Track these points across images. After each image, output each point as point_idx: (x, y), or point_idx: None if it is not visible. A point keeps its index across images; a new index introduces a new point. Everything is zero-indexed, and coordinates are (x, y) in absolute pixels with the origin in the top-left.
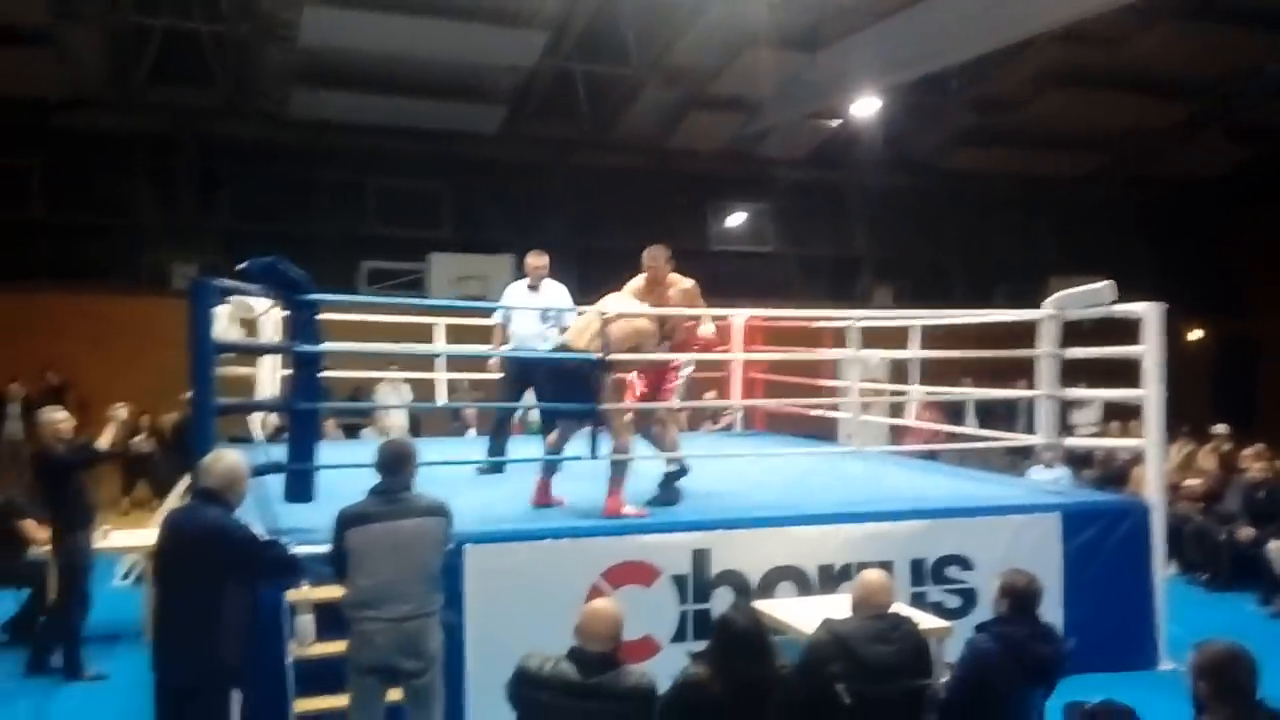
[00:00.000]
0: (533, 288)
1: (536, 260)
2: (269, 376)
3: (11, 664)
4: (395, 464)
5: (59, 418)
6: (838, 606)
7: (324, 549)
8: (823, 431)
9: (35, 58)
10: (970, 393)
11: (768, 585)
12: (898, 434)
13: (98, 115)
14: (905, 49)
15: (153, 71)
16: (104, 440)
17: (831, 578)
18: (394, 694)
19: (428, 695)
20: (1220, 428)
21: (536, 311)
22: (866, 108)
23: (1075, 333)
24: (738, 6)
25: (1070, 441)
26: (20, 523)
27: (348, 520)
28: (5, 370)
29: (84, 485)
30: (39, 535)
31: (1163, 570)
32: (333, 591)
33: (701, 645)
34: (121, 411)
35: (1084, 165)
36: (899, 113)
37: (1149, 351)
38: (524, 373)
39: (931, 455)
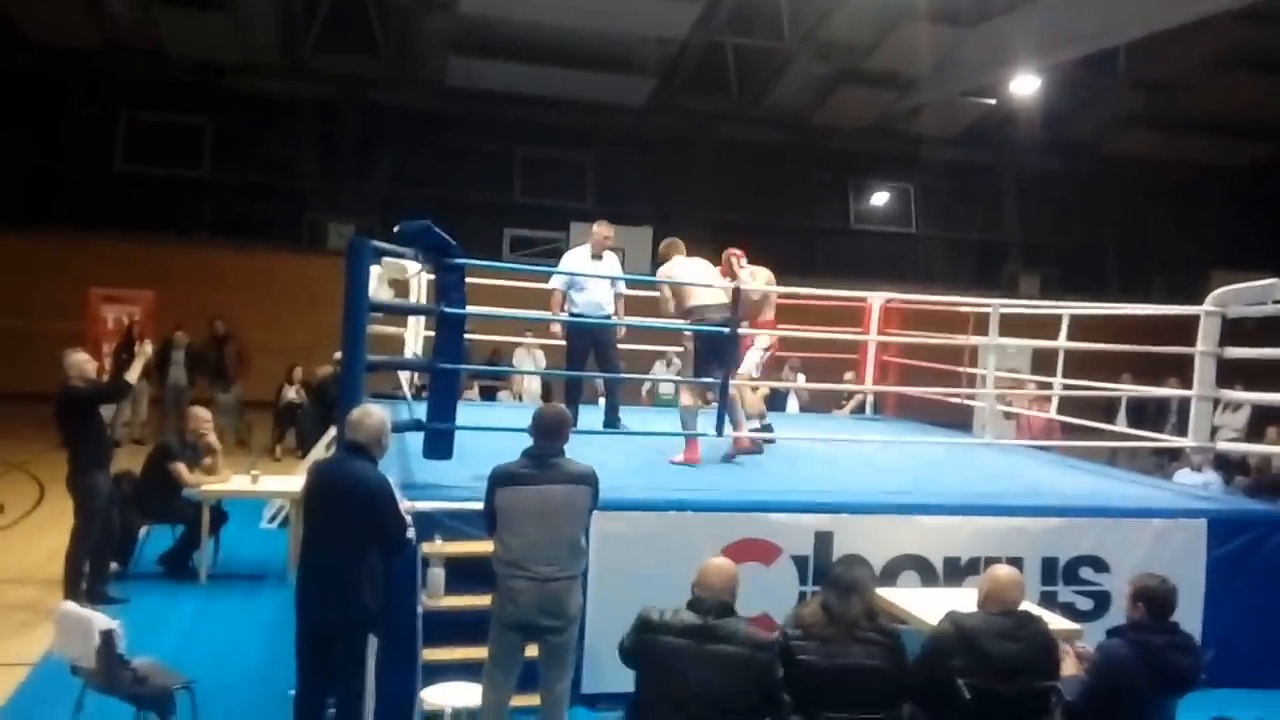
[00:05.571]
0: (596, 257)
1: (606, 231)
2: (413, 336)
3: (166, 594)
4: (551, 429)
5: (83, 358)
6: (963, 600)
7: (459, 506)
8: (958, 420)
9: (213, 22)
10: (1116, 388)
11: (891, 573)
12: (1018, 426)
13: (267, 80)
14: (1070, 25)
15: (320, 39)
16: (132, 375)
17: (958, 570)
18: (530, 649)
19: (562, 652)
20: None
21: (605, 280)
22: (1024, 86)
23: (1235, 331)
24: None
25: (1223, 446)
26: (172, 465)
27: (498, 479)
28: (170, 318)
29: (102, 425)
30: (188, 478)
31: None
32: (465, 547)
33: None
34: (148, 347)
35: (1253, 154)
36: (1058, 92)
37: None
38: (591, 341)
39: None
